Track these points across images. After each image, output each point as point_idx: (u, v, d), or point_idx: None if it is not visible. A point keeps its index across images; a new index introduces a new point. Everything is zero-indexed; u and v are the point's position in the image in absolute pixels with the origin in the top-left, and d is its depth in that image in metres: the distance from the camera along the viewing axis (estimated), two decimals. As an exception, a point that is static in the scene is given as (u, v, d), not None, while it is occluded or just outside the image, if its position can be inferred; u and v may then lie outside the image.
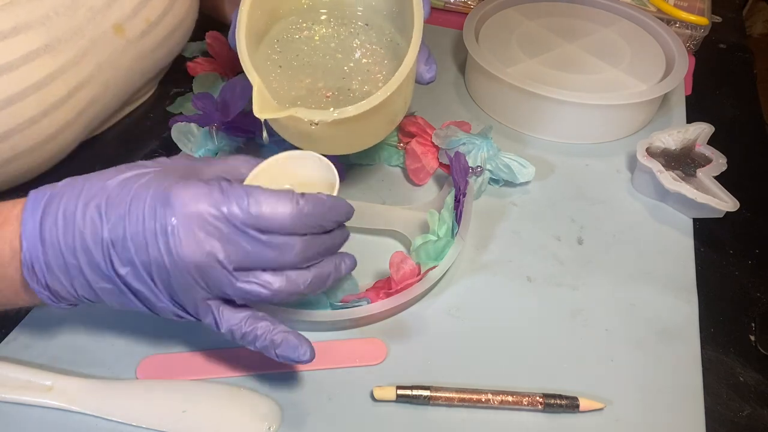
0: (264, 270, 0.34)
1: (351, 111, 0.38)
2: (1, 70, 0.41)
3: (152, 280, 0.33)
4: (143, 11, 0.51)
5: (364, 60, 0.45)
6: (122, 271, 0.33)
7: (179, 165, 0.36)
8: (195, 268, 0.33)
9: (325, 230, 0.36)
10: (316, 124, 0.39)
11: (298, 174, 0.39)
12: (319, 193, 0.35)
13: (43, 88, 0.44)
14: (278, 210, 0.33)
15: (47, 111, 0.45)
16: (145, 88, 0.60)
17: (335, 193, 0.37)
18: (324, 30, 0.46)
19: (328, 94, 0.44)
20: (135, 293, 0.34)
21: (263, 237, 0.33)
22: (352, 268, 0.39)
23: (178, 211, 0.32)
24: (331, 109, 0.39)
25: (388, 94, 0.39)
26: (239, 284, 0.33)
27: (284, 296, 0.35)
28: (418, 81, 0.45)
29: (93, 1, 0.47)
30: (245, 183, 0.37)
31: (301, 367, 0.41)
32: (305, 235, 0.34)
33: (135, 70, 0.53)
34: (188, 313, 0.36)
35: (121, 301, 0.35)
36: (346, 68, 0.45)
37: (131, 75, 0.53)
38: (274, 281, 0.34)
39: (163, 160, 0.37)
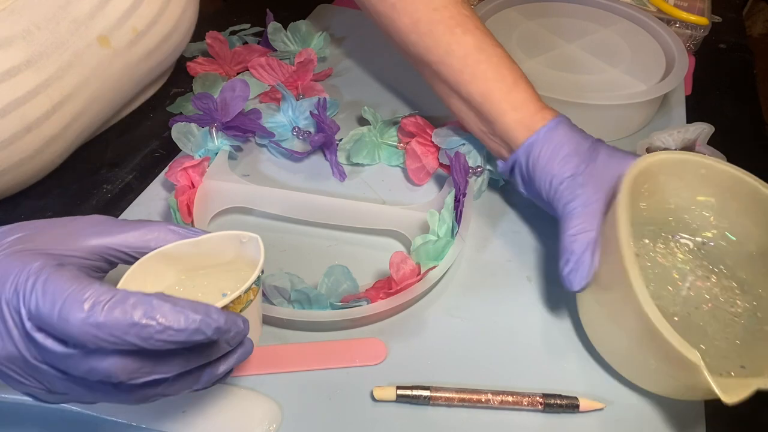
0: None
1: None
2: None
3: None
4: (130, 21, 0.49)
5: None
6: None
7: (59, 230, 0.31)
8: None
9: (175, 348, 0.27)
10: None
11: (212, 257, 0.34)
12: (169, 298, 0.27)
13: (26, 103, 0.43)
14: (63, 315, 0.26)
15: (30, 127, 0.43)
16: (141, 96, 0.59)
17: (252, 278, 0.32)
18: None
19: None
20: None
21: (56, 347, 0.27)
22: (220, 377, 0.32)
23: None
24: None
25: None
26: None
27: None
28: None
29: (76, 12, 0.45)
30: (133, 267, 0.32)
31: (301, 367, 0.41)
32: (131, 352, 0.27)
33: (124, 81, 0.52)
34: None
35: None
36: None
37: (120, 86, 0.52)
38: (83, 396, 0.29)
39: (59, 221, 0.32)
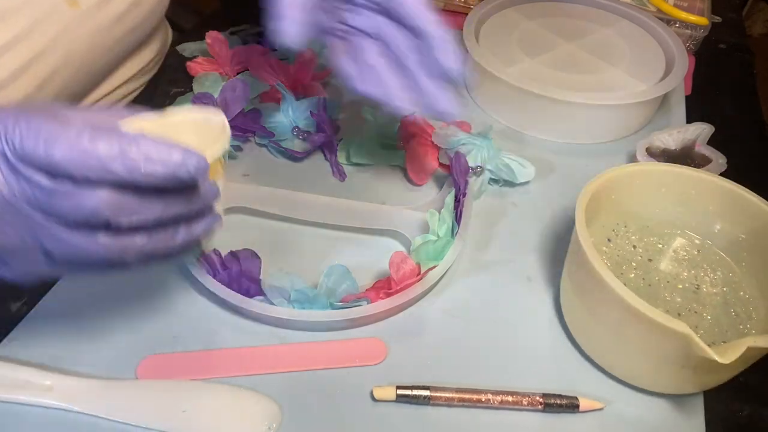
0: (64, 222, 0.28)
1: None
2: None
3: None
4: None
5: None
6: None
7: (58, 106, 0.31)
8: None
9: (161, 187, 0.28)
10: None
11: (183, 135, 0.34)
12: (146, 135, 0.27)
13: None
14: (49, 143, 0.26)
15: (1, 85, 0.43)
16: (122, 71, 0.58)
17: (218, 147, 0.33)
18: None
19: None
20: None
21: (43, 181, 0.27)
22: (204, 232, 0.32)
23: None
24: None
25: None
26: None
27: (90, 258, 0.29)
28: None
29: None
30: None
31: (301, 367, 0.41)
32: (121, 188, 0.27)
33: (96, 45, 0.51)
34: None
35: None
36: None
37: (92, 51, 0.51)
38: (68, 238, 0.28)
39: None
